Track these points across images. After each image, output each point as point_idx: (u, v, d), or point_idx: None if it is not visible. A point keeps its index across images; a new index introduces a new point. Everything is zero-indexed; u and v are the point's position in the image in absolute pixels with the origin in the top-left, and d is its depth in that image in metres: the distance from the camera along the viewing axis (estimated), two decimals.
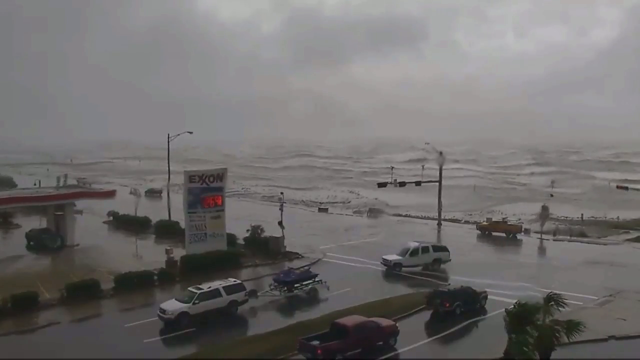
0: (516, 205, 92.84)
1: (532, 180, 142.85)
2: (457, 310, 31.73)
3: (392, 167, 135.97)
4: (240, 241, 48.33)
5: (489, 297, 33.69)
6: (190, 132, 61.71)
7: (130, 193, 60.93)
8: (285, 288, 35.56)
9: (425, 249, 43.75)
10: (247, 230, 48.82)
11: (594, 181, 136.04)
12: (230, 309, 32.11)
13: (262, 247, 47.10)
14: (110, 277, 37.26)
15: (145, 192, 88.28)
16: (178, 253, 42.47)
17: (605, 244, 56.47)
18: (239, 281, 33.94)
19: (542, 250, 54.54)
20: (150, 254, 45.65)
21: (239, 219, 54.76)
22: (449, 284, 36.62)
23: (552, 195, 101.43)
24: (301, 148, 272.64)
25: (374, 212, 78.01)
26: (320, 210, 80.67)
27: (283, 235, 48.17)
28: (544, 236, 58.55)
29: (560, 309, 22.98)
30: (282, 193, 77.73)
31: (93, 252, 47.86)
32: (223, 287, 32.15)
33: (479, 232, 61.27)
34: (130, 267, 39.44)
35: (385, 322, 27.85)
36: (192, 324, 30.11)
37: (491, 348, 25.32)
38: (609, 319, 30.79)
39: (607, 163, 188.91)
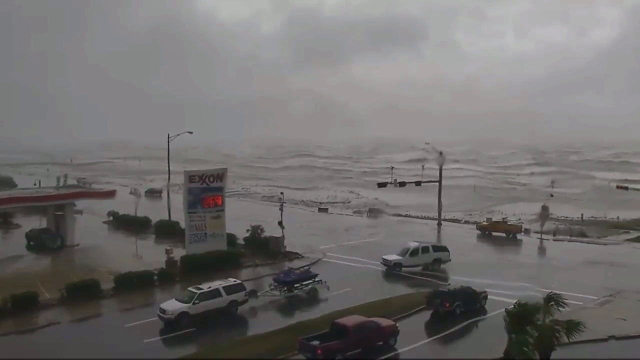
0: (516, 205, 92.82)
1: (532, 180, 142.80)
2: (457, 310, 31.74)
3: (392, 167, 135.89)
4: (240, 241, 48.33)
5: (489, 297, 33.70)
6: (190, 132, 61.75)
7: (130, 193, 60.99)
8: (285, 288, 35.55)
9: (425, 249, 43.76)
10: (247, 230, 48.83)
11: (594, 181, 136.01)
12: (230, 309, 32.11)
13: (262, 247, 47.10)
14: (110, 277, 37.26)
15: (145, 192, 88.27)
16: (178, 253, 42.48)
17: (605, 244, 56.48)
18: (239, 281, 33.94)
19: (542, 250, 54.55)
20: (150, 254, 45.66)
21: (239, 219, 54.76)
22: (449, 284, 36.62)
23: (552, 195, 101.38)
24: (301, 148, 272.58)
25: (374, 212, 78.00)
26: (320, 210, 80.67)
27: (283, 235, 48.17)
28: (544, 236, 58.56)
29: (560, 309, 22.98)
30: (282, 193, 77.72)
31: (93, 252, 47.87)
32: (223, 287, 32.15)
33: (479, 232, 61.28)
34: (130, 267, 39.44)
35: (385, 322, 27.84)
36: (192, 324, 30.11)
37: (491, 348, 25.35)
38: (609, 319, 30.79)
39: (607, 163, 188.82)
